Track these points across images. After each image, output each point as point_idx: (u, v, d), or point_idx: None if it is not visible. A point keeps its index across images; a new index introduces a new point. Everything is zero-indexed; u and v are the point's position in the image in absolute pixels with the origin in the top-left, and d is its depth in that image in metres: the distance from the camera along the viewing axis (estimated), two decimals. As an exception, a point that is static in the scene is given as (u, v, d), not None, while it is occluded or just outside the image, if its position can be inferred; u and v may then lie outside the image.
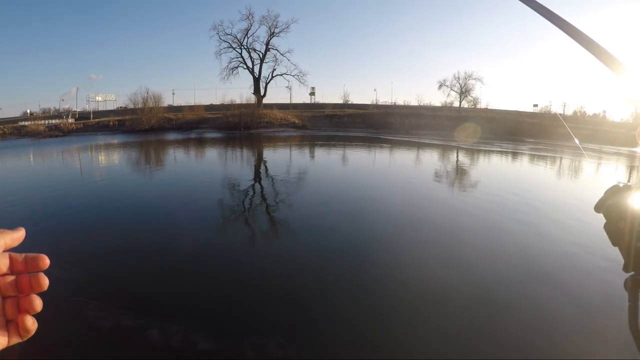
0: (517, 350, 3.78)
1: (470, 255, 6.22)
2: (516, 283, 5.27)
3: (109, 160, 19.76)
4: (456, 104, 48.09)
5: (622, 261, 0.53)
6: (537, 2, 0.71)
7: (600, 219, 0.57)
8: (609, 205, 0.56)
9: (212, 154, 22.50)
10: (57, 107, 51.68)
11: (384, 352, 3.76)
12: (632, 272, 0.51)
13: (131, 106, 41.70)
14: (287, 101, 53.12)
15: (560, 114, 41.70)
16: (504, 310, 4.55)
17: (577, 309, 4.60)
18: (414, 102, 54.35)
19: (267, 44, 46.95)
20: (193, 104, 47.22)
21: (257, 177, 14.61)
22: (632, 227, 0.51)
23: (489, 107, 49.64)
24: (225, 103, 45.34)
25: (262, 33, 73.63)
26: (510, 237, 7.28)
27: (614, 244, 0.54)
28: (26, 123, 39.12)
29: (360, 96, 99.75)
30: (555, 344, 3.83)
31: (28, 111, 49.03)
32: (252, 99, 45.93)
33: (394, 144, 27.02)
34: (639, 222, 0.51)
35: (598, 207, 0.58)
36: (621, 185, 0.56)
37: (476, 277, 5.41)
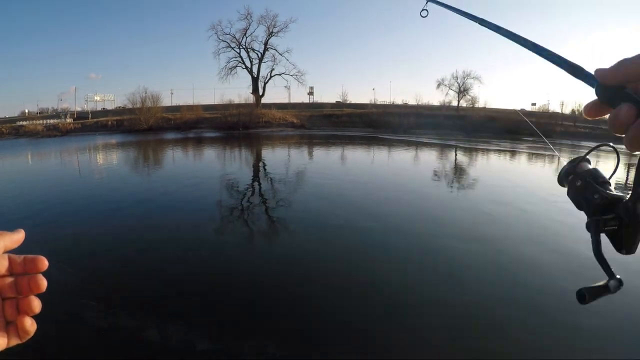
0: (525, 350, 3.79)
1: (470, 251, 6.24)
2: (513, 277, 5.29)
3: (107, 160, 19.70)
4: (454, 103, 48.25)
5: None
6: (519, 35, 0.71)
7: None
8: (565, 174, 0.61)
9: (210, 154, 22.46)
10: (55, 107, 51.71)
11: (385, 351, 3.77)
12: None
13: (129, 106, 41.64)
14: (286, 101, 53.25)
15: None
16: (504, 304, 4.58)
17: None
18: (412, 102, 54.55)
19: (266, 43, 47.05)
20: (191, 104, 47.31)
21: (256, 176, 14.61)
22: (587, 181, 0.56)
23: (487, 106, 49.83)
24: (224, 103, 45.37)
25: (260, 33, 73.79)
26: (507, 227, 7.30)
27: (580, 208, 0.57)
28: (24, 123, 39.05)
29: (359, 96, 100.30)
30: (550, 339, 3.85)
31: (26, 111, 49.04)
32: (251, 98, 46.02)
33: (392, 144, 27.03)
34: (592, 176, 0.56)
35: (561, 180, 0.62)
36: (577, 157, 0.61)
37: (477, 274, 5.43)
